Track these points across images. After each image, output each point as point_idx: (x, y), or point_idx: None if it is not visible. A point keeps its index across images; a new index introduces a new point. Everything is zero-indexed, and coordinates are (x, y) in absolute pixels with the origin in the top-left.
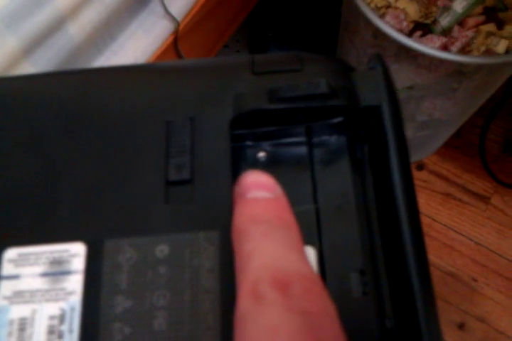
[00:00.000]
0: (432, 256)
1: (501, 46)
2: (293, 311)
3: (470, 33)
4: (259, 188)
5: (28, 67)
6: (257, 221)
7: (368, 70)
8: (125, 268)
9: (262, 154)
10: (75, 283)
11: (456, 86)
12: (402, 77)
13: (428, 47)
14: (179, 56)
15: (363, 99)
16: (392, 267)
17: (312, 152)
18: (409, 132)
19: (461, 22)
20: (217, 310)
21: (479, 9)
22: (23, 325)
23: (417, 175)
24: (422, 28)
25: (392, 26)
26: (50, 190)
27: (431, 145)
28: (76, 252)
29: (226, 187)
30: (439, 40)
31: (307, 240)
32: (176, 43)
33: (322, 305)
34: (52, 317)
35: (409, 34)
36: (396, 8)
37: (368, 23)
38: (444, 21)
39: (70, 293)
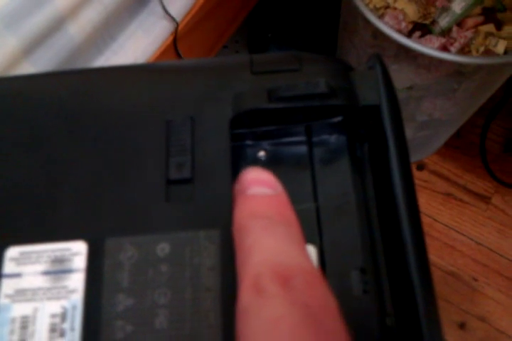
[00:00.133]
0: (433, 256)
1: (500, 47)
2: (295, 304)
3: (469, 34)
4: (259, 185)
5: (28, 67)
6: (258, 216)
7: (367, 70)
8: (126, 266)
9: (262, 153)
10: (77, 281)
11: (456, 86)
12: (402, 77)
13: (427, 47)
14: (178, 56)
15: (362, 99)
16: (393, 265)
17: (312, 151)
18: (410, 132)
19: (460, 22)
20: (219, 308)
21: (478, 10)
22: (25, 323)
23: (418, 175)
24: (421, 28)
25: (391, 27)
26: (51, 188)
27: (431, 145)
28: (77, 251)
29: (226, 186)
30: (438, 41)
31: (308, 238)
32: (175, 43)
33: (323, 298)
34: (54, 316)
35: (409, 34)
36: (395, 8)
37: (367, 23)
38: (443, 22)
39: (72, 291)
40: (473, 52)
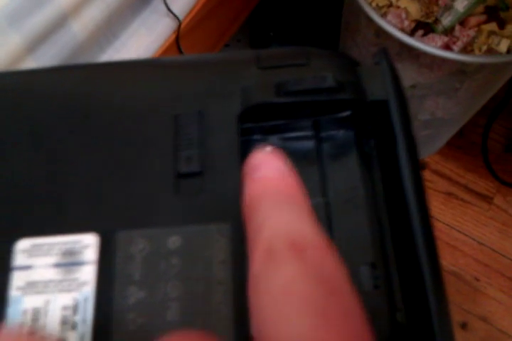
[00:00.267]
0: None
1: (503, 45)
2: (307, 267)
3: (471, 33)
4: (268, 166)
5: (32, 64)
6: (268, 195)
7: (374, 65)
8: (138, 259)
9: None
10: (88, 273)
11: (458, 85)
12: (405, 76)
13: (430, 46)
14: (181, 54)
15: (369, 94)
16: (403, 260)
17: (320, 146)
18: None
19: (462, 21)
20: (230, 301)
21: (481, 8)
22: (37, 315)
23: None
24: (423, 27)
25: (394, 25)
26: (62, 181)
27: (433, 145)
28: (88, 243)
29: (236, 179)
30: (441, 40)
31: None
32: (177, 42)
33: (335, 265)
34: (65, 308)
35: (411, 33)
36: (397, 7)
37: (370, 21)
38: (446, 20)
39: (83, 283)
40: (476, 51)
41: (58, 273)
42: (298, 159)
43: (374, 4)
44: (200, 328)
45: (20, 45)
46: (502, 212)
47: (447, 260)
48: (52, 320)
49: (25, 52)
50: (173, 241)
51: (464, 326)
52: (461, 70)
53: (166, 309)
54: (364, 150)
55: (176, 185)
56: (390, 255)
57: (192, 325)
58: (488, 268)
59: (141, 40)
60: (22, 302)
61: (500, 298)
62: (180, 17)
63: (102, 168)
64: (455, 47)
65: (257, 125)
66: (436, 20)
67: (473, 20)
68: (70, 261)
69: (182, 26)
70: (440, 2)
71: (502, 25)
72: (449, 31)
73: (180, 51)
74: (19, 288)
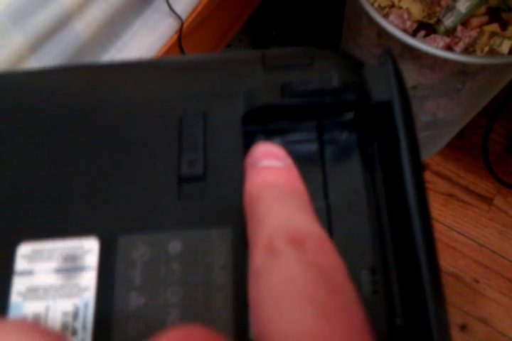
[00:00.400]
0: None
1: (505, 46)
2: (307, 263)
3: (473, 33)
4: (270, 157)
5: (34, 64)
6: (269, 187)
7: (379, 66)
8: (138, 264)
9: None
10: (89, 279)
11: (460, 86)
12: (406, 76)
13: (432, 47)
14: (183, 54)
15: (374, 95)
16: (403, 265)
17: (323, 149)
18: None
19: (464, 22)
20: (230, 306)
21: (483, 9)
22: (37, 321)
23: None
24: (425, 27)
25: (396, 26)
26: (63, 185)
27: (434, 146)
28: (90, 248)
29: (238, 183)
30: (443, 40)
31: None
32: (180, 41)
33: (334, 260)
34: (65, 314)
35: (413, 34)
36: (400, 7)
37: (372, 22)
38: (448, 21)
39: (84, 289)
40: (478, 52)
41: (59, 278)
42: (301, 161)
43: (376, 5)
44: None
45: (24, 45)
46: (502, 213)
47: (447, 261)
48: (53, 326)
49: (28, 52)
50: (174, 246)
51: (463, 328)
52: (462, 71)
53: (166, 315)
54: (367, 153)
55: (178, 189)
56: (390, 260)
57: None
58: (488, 270)
59: (144, 40)
60: (22, 308)
61: (500, 299)
62: (183, 17)
63: (104, 171)
64: (457, 48)
65: (260, 127)
66: (438, 21)
67: (475, 21)
68: (70, 266)
69: (184, 26)
70: (442, 3)
71: (504, 26)
72: (450, 32)
73: (182, 51)
74: (20, 294)
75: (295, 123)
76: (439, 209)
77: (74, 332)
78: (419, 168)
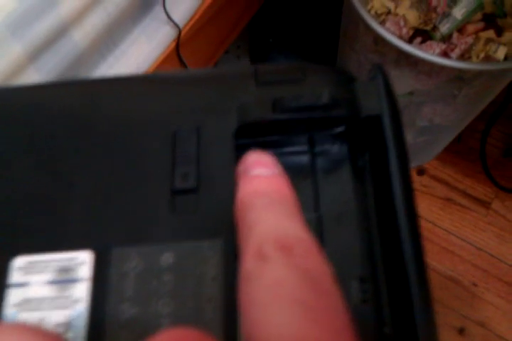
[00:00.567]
0: (433, 261)
1: (500, 53)
2: (295, 267)
3: (469, 40)
4: (261, 166)
5: (33, 73)
6: (260, 195)
7: (369, 81)
8: (131, 276)
9: None
10: (82, 291)
11: (456, 92)
12: (403, 82)
13: (428, 53)
14: (181, 62)
15: (364, 109)
16: (392, 274)
17: (314, 161)
18: (410, 137)
19: (460, 29)
20: (220, 318)
21: (478, 16)
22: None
23: (418, 180)
24: (421, 34)
25: (392, 33)
26: (58, 198)
27: (431, 151)
28: (83, 260)
29: (230, 195)
30: (439, 47)
31: None
32: (177, 49)
33: (321, 265)
34: (58, 325)
35: (409, 40)
36: (396, 14)
37: (368, 29)
38: (444, 28)
39: (77, 300)
40: (474, 58)
41: (53, 290)
42: (292, 174)
43: (373, 12)
44: None
45: (22, 55)
46: (500, 217)
47: (445, 265)
48: None
49: (27, 62)
50: (166, 258)
51: (461, 331)
52: (458, 77)
53: (157, 326)
54: (357, 165)
55: (171, 202)
56: (380, 269)
57: None
58: (486, 274)
59: (142, 48)
60: (17, 320)
61: (498, 303)
62: (181, 25)
63: (99, 184)
64: (453, 55)
65: (252, 140)
66: (435, 28)
67: (471, 28)
68: (64, 278)
69: (182, 34)
70: (438, 10)
71: (500, 32)
72: (446, 38)
73: (180, 59)
74: (15, 305)
75: (287, 137)
76: (437, 213)
77: None
78: (407, 179)
